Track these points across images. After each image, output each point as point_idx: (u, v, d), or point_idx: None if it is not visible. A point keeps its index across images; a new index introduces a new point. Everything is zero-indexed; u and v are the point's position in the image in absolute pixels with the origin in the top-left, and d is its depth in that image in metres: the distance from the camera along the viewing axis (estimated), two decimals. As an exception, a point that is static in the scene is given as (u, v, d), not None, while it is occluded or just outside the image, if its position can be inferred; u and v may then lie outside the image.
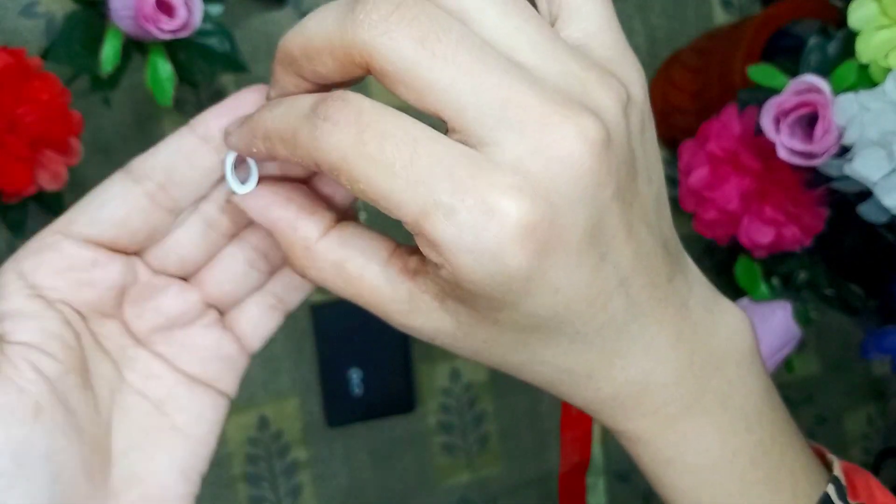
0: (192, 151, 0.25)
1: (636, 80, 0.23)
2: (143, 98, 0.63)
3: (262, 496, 0.67)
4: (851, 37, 0.47)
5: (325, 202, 0.26)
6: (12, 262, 0.25)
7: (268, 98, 0.24)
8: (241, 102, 0.25)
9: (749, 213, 0.53)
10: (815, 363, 0.80)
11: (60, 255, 0.25)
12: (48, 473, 0.23)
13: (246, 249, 0.28)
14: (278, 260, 0.28)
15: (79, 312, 0.26)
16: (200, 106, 0.64)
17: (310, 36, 0.21)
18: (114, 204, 0.25)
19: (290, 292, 0.29)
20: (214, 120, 0.25)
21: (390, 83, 0.20)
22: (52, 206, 0.52)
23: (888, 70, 0.45)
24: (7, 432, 0.22)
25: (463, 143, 0.20)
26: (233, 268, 0.28)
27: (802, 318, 0.57)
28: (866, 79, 0.47)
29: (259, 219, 0.25)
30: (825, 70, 0.49)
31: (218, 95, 0.64)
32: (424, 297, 0.23)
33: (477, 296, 0.21)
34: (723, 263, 0.76)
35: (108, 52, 0.48)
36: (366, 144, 0.20)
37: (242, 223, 0.27)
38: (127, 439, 0.26)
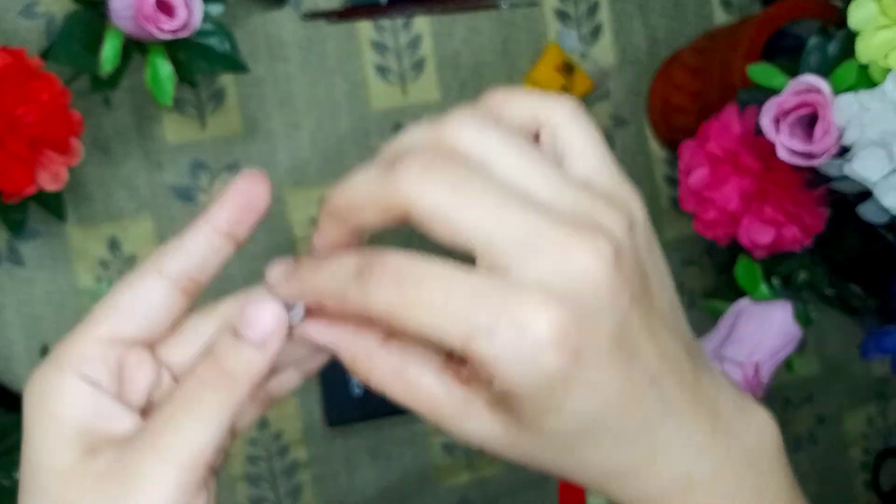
0: (219, 247, 0.29)
1: (637, 205, 0.26)
2: (144, 98, 0.63)
3: (263, 496, 0.67)
4: (851, 37, 0.47)
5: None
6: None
7: (314, 242, 0.27)
8: (245, 197, 0.29)
9: (749, 213, 0.53)
10: (815, 363, 0.80)
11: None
12: None
13: None
14: None
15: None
16: (200, 106, 0.64)
17: (355, 194, 0.25)
18: (157, 309, 0.28)
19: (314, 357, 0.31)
20: (225, 213, 0.29)
21: (427, 227, 0.24)
22: (53, 206, 0.52)
23: (888, 70, 0.45)
24: None
25: (492, 271, 0.23)
26: None
27: (802, 318, 0.57)
28: (866, 79, 0.47)
29: (322, 339, 0.28)
30: (825, 70, 0.49)
31: (218, 95, 0.64)
32: (476, 405, 0.26)
33: (524, 403, 0.24)
34: (723, 263, 0.76)
35: (108, 53, 0.48)
36: (407, 296, 0.23)
37: None
38: None
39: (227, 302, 0.29)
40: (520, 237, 0.23)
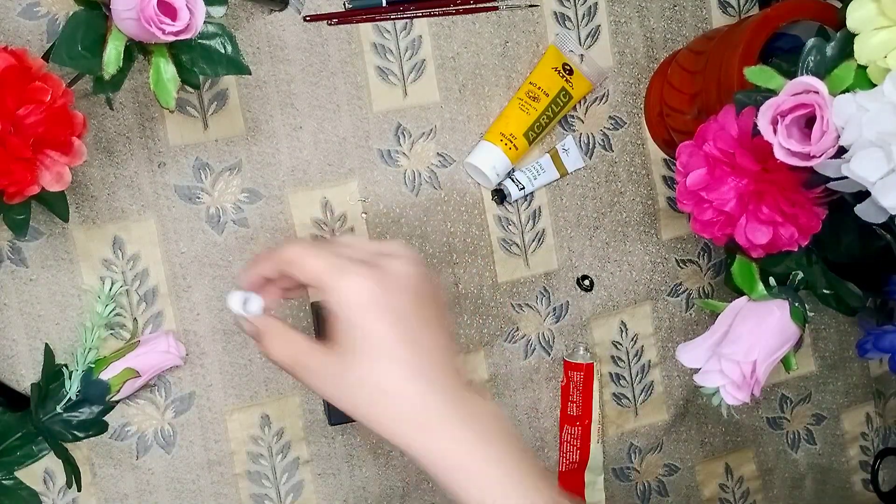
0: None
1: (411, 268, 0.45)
2: (146, 99, 0.63)
3: (264, 493, 0.67)
4: (849, 38, 0.48)
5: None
6: None
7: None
8: None
9: (746, 213, 0.53)
10: (812, 362, 0.80)
11: None
12: None
13: None
14: None
15: None
16: (203, 107, 0.64)
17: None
18: None
19: None
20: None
21: (291, 271, 0.45)
22: (56, 206, 0.52)
23: (886, 71, 0.46)
24: None
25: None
26: None
27: (800, 317, 0.57)
28: (864, 80, 0.47)
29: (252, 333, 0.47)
30: (823, 71, 0.49)
31: (220, 97, 0.65)
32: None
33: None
34: (720, 263, 0.76)
35: (111, 54, 0.49)
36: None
37: None
38: None
39: None
40: (338, 257, 0.43)
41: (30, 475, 0.62)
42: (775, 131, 0.47)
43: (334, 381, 0.43)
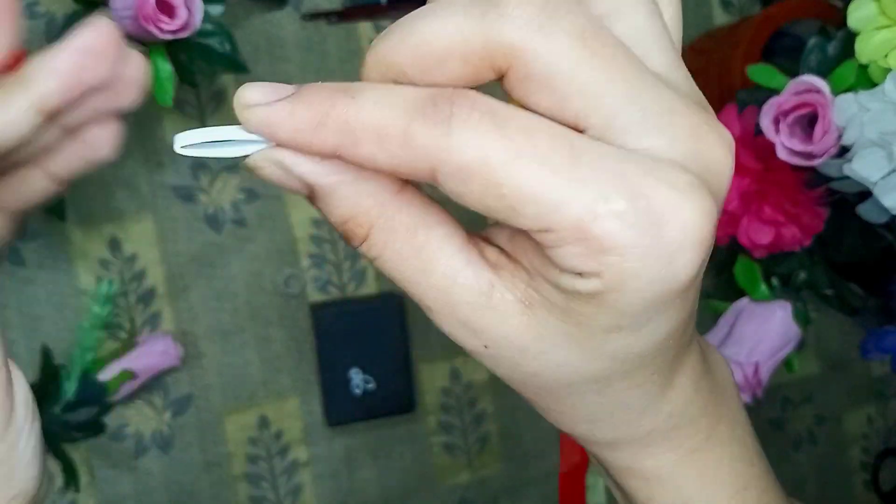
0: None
1: None
2: (144, 98, 0.63)
3: (263, 496, 0.67)
4: (851, 37, 0.47)
5: None
6: None
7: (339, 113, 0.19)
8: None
9: (748, 213, 0.53)
10: (814, 363, 0.80)
11: None
12: None
13: None
14: None
15: None
16: (201, 106, 0.64)
17: (431, 39, 0.18)
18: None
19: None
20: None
21: (535, 88, 0.18)
22: (53, 206, 0.52)
23: (888, 70, 0.45)
24: None
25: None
26: None
27: (802, 317, 0.57)
28: (866, 79, 0.47)
29: (322, 181, 0.20)
30: (825, 70, 0.49)
31: (218, 96, 0.64)
32: (507, 295, 0.20)
33: (609, 312, 0.19)
34: (722, 263, 0.76)
35: (109, 53, 0.48)
36: (513, 141, 0.17)
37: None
38: None
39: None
40: (650, 106, 0.18)
41: (27, 476, 0.61)
42: (777, 130, 0.47)
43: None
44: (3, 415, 0.24)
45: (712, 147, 0.19)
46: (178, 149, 0.20)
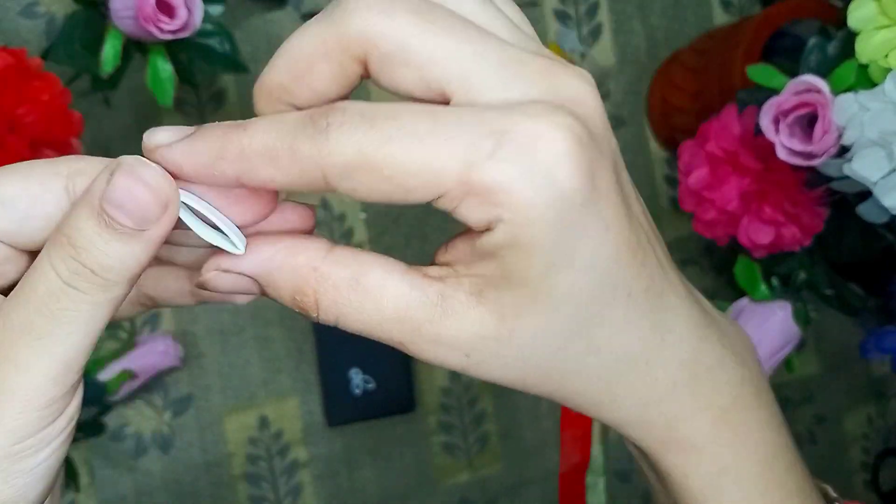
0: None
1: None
2: (144, 98, 0.63)
3: (263, 496, 0.67)
4: (851, 37, 0.47)
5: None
6: None
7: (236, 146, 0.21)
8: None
9: (748, 213, 0.53)
10: (814, 363, 0.80)
11: None
12: None
13: None
14: None
15: None
16: (201, 106, 0.64)
17: (297, 51, 0.21)
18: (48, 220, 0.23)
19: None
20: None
21: (393, 67, 0.20)
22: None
23: (888, 70, 0.45)
24: None
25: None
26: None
27: (802, 317, 0.57)
28: (866, 79, 0.47)
29: (250, 267, 0.22)
30: (825, 70, 0.49)
31: (218, 96, 0.64)
32: (458, 295, 0.21)
33: (532, 255, 0.20)
34: (722, 263, 0.76)
35: (109, 53, 0.48)
36: (381, 129, 0.19)
37: None
38: None
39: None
40: (499, 67, 0.20)
41: (27, 476, 0.61)
42: (777, 130, 0.47)
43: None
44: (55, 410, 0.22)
45: (567, 81, 0.20)
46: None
